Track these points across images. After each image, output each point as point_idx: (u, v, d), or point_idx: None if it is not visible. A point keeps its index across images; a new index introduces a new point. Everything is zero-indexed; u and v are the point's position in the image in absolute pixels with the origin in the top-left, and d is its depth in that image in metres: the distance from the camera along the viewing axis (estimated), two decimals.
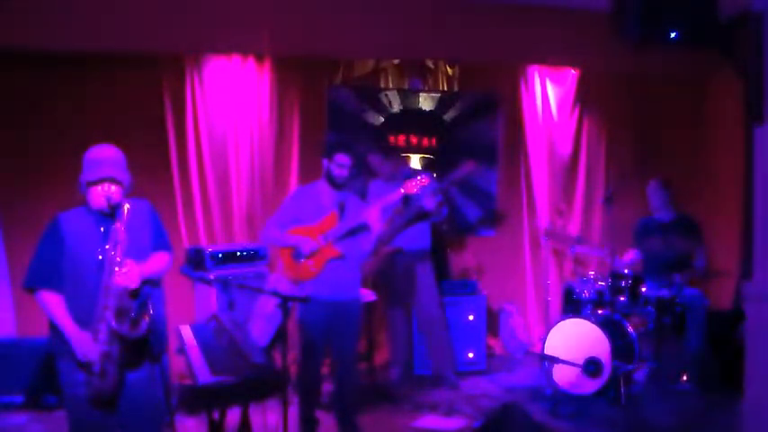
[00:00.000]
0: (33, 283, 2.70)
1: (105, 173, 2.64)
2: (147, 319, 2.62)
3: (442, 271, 5.57)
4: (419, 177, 3.89)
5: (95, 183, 2.65)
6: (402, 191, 3.88)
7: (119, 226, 2.63)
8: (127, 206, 2.65)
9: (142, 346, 2.69)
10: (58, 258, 2.67)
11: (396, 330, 5.11)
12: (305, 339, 3.81)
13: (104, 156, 2.68)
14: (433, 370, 5.09)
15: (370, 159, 5.08)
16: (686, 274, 4.93)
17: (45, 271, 2.68)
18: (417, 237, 4.92)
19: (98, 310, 2.60)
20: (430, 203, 4.65)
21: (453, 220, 5.68)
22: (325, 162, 3.86)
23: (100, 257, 2.65)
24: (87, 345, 2.59)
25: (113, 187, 2.67)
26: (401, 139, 5.76)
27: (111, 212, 2.65)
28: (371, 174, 5.18)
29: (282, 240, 3.84)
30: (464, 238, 6.02)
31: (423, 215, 4.78)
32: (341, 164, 3.80)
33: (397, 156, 5.17)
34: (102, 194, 2.65)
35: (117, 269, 2.60)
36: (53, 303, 2.66)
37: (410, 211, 4.76)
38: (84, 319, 2.63)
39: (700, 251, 5.05)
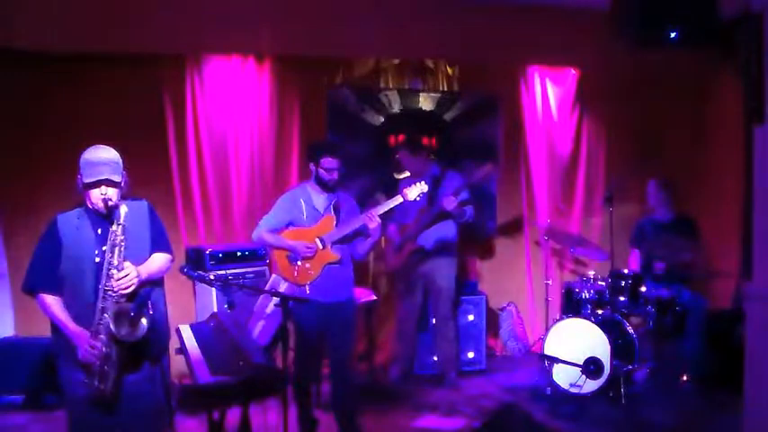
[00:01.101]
0: (32, 285, 2.70)
1: (102, 175, 2.63)
2: (146, 319, 2.61)
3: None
4: (419, 184, 3.82)
5: (92, 185, 2.65)
6: (401, 198, 3.82)
7: (116, 228, 2.62)
8: (124, 208, 2.65)
9: (142, 347, 2.69)
10: (56, 260, 2.67)
11: (403, 329, 5.11)
12: (301, 340, 3.80)
13: (101, 157, 2.66)
14: (437, 367, 5.10)
15: (399, 156, 5.08)
16: (685, 274, 4.94)
17: (43, 273, 2.68)
18: (442, 236, 4.91)
19: (96, 313, 2.60)
20: (449, 203, 4.61)
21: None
22: (312, 166, 3.81)
23: (97, 260, 2.65)
24: (87, 345, 2.59)
25: (110, 189, 2.66)
26: (401, 139, 5.75)
27: (109, 214, 2.64)
28: (400, 169, 5.18)
29: (278, 244, 3.83)
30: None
31: (445, 215, 4.77)
32: (328, 168, 3.74)
33: (425, 154, 5.14)
34: (99, 196, 2.65)
35: (114, 272, 2.59)
36: (52, 305, 2.66)
37: (433, 211, 4.76)
38: (84, 320, 2.63)
39: (697, 252, 5.05)
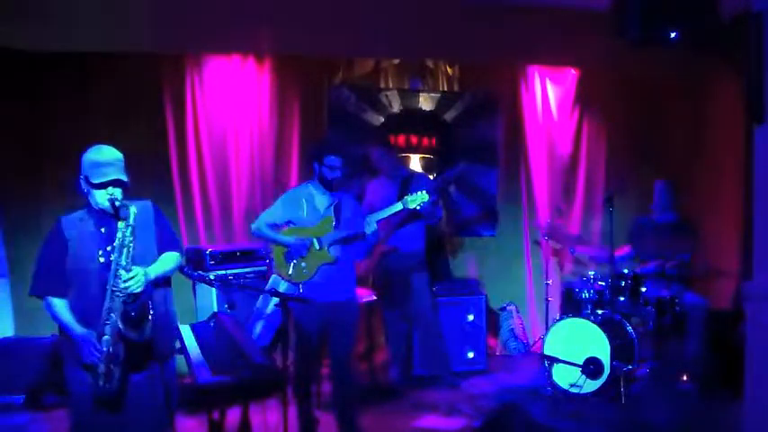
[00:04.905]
0: (39, 290, 2.70)
1: (110, 176, 2.63)
2: (148, 320, 2.61)
3: (441, 271, 5.56)
4: (421, 193, 3.83)
5: (100, 185, 2.65)
6: (401, 206, 3.82)
7: (125, 228, 2.62)
8: (134, 209, 2.64)
9: (149, 348, 2.69)
10: (62, 262, 2.67)
11: (393, 331, 5.11)
12: (301, 339, 3.79)
13: (108, 158, 2.67)
14: (427, 371, 5.09)
15: (371, 154, 5.07)
16: (685, 275, 4.94)
17: (50, 277, 2.67)
18: (411, 238, 4.92)
19: (103, 313, 2.59)
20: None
21: (451, 220, 5.67)
22: (315, 165, 3.81)
23: (102, 260, 2.65)
24: (92, 346, 2.59)
25: (117, 189, 2.66)
26: (401, 139, 5.76)
27: (116, 214, 2.64)
28: (371, 171, 5.17)
29: (274, 238, 3.82)
30: (463, 238, 6.03)
31: (416, 216, 4.78)
32: (332, 166, 3.74)
33: (396, 154, 5.15)
34: (107, 197, 2.65)
35: (122, 272, 2.59)
36: (59, 308, 2.67)
37: (404, 212, 4.76)
38: (89, 320, 2.62)
39: (696, 254, 5.05)
